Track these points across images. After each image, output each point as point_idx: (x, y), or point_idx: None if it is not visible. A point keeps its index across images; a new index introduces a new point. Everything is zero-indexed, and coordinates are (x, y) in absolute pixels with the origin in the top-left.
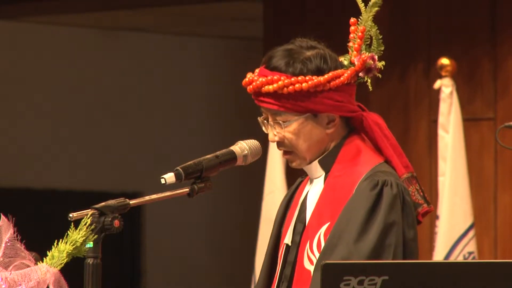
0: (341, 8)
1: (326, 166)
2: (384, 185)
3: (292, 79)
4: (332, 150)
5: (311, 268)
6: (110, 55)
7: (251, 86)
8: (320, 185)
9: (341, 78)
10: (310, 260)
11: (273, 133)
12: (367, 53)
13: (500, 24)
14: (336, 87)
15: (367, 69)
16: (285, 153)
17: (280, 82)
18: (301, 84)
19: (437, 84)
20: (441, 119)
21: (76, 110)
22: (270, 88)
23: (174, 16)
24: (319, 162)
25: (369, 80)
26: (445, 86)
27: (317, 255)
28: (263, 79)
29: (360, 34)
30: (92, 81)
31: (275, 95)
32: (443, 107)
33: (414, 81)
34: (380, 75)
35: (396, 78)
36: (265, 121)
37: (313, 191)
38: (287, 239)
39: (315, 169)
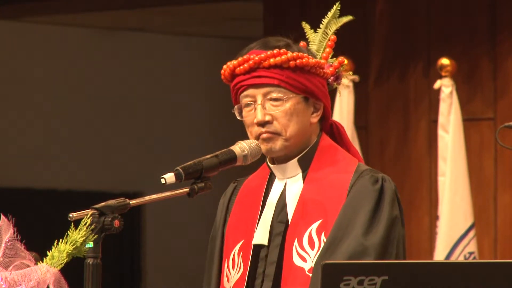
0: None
1: (304, 164)
2: (383, 181)
3: (299, 53)
4: (309, 149)
5: (303, 265)
6: (110, 55)
7: (251, 62)
8: (299, 184)
9: (326, 71)
10: (301, 257)
11: (263, 112)
12: (335, 61)
13: (500, 24)
14: (326, 76)
15: (337, 76)
16: (269, 133)
17: (289, 54)
18: (308, 59)
19: (437, 84)
20: (441, 119)
21: (76, 110)
22: (277, 60)
23: (174, 16)
24: (298, 160)
25: (338, 87)
26: (445, 86)
27: (310, 251)
28: (268, 53)
29: (330, 43)
30: (92, 81)
31: (278, 68)
32: (443, 107)
33: (414, 81)
34: (341, 83)
35: (396, 78)
36: (250, 103)
37: (291, 191)
38: (260, 240)
39: (291, 168)
